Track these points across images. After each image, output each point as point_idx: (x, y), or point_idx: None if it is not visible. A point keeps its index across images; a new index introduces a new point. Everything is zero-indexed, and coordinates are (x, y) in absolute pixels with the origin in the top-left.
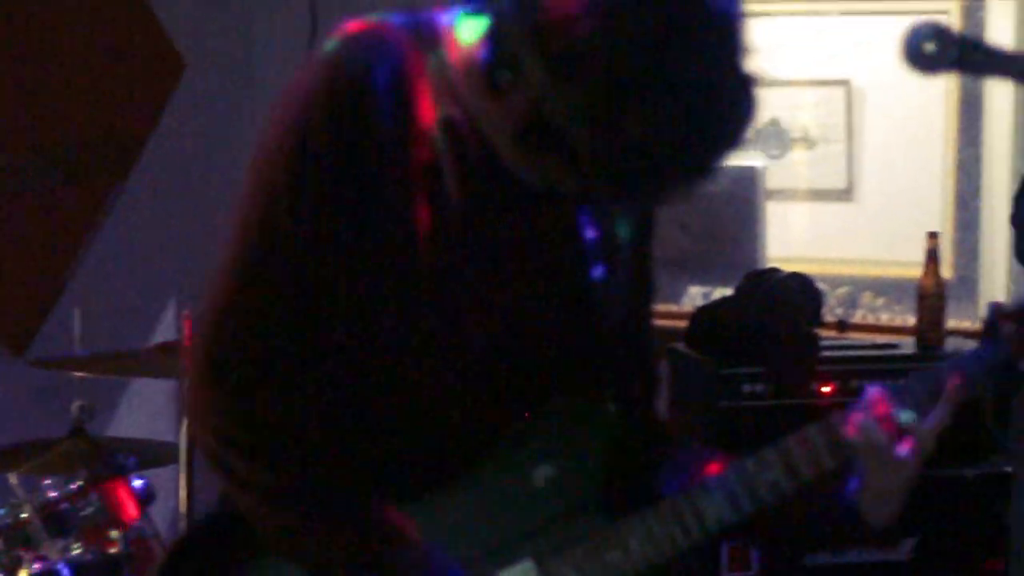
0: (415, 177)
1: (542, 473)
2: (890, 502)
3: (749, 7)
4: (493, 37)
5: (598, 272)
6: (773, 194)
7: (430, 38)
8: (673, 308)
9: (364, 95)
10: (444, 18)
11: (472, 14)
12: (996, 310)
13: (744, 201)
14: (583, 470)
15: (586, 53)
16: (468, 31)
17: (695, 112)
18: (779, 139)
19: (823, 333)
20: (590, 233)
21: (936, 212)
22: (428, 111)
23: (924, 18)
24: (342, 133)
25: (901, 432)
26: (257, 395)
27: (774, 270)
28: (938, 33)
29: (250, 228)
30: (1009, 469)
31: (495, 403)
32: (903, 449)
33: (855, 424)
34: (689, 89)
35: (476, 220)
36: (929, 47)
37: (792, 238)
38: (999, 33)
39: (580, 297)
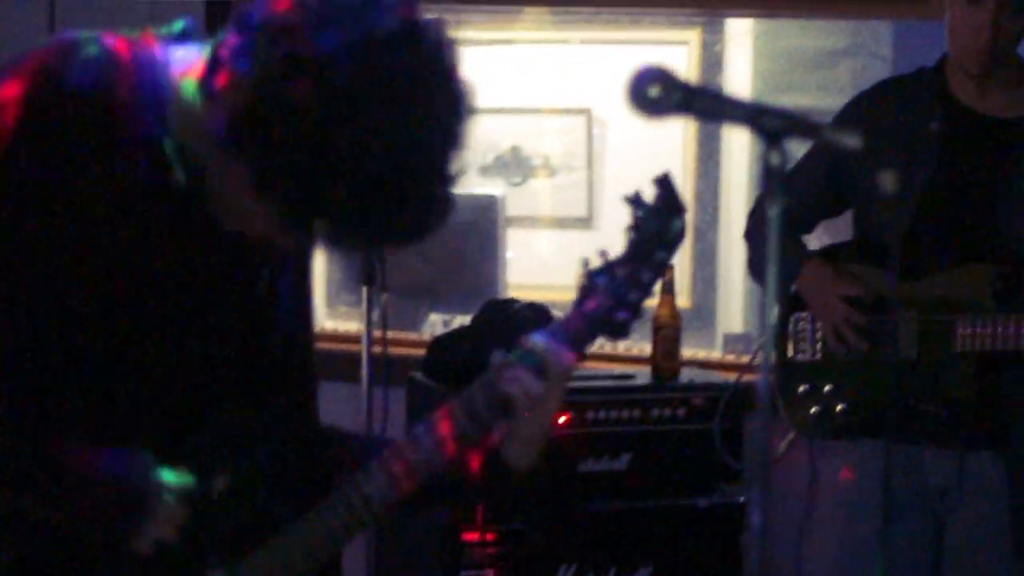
0: (116, 195)
1: (219, 483)
2: (535, 446)
3: (493, 35)
4: (216, 68)
5: (279, 296)
6: (515, 221)
7: (147, 60)
8: (413, 336)
9: (67, 109)
10: (163, 41)
11: (190, 41)
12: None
13: (484, 229)
14: (258, 476)
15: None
16: (187, 59)
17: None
18: (521, 166)
19: None
20: (269, 254)
21: None
22: (135, 131)
23: (649, 62)
24: (41, 144)
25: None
26: None
27: (511, 300)
28: (662, 78)
29: None
30: (742, 499)
31: (176, 418)
32: (542, 388)
33: (510, 377)
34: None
35: (169, 243)
36: (654, 91)
37: (534, 265)
38: (737, 66)
39: (258, 315)
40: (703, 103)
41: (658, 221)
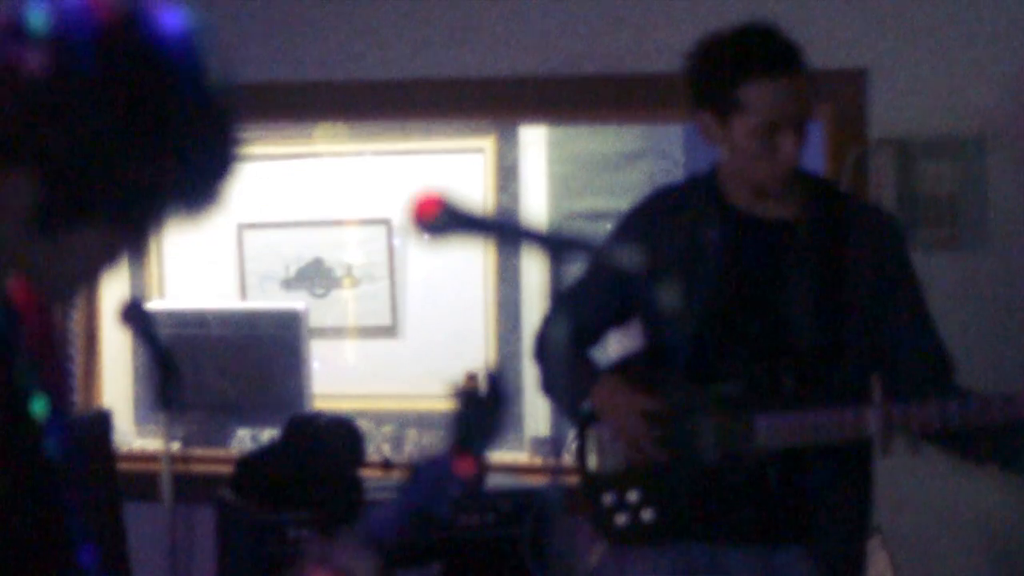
0: None
1: None
2: None
3: (290, 149)
4: None
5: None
6: (320, 332)
7: None
8: (220, 452)
9: None
10: None
11: None
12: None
13: (288, 342)
14: None
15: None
16: None
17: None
18: (323, 278)
19: (368, 474)
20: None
21: (479, 347)
22: None
23: (429, 187)
24: None
25: None
26: None
27: (317, 414)
28: (442, 202)
29: None
30: None
31: None
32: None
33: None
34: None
35: None
36: (434, 215)
37: (340, 375)
38: (532, 172)
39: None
40: (483, 226)
41: (482, 415)
